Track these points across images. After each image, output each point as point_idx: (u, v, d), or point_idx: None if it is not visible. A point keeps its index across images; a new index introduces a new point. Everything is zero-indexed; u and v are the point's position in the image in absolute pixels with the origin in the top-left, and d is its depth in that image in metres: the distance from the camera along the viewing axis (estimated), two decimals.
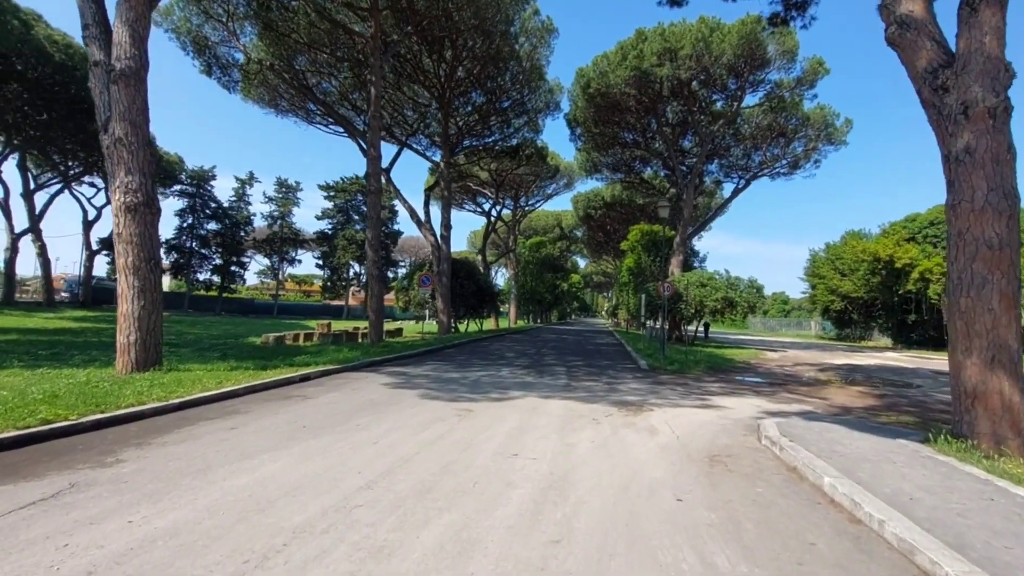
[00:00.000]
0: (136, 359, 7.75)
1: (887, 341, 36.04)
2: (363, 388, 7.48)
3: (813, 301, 41.27)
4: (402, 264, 63.31)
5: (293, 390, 7.18)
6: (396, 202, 44.49)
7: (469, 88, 24.34)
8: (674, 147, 26.29)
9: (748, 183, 28.06)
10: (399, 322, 43.40)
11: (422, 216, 25.06)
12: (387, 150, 26.30)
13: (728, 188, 39.72)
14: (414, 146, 27.84)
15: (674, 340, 24.74)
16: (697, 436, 5.29)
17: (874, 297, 33.42)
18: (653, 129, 27.81)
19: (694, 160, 28.01)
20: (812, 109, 25.18)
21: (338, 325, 26.52)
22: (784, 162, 28.20)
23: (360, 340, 17.58)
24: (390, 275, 52.13)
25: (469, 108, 25.87)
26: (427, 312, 23.94)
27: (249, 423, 5.14)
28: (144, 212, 7.90)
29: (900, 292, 30.25)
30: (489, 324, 35.58)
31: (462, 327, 27.81)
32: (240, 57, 19.57)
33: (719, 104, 26.47)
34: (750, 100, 24.77)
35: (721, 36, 20.16)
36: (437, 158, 25.60)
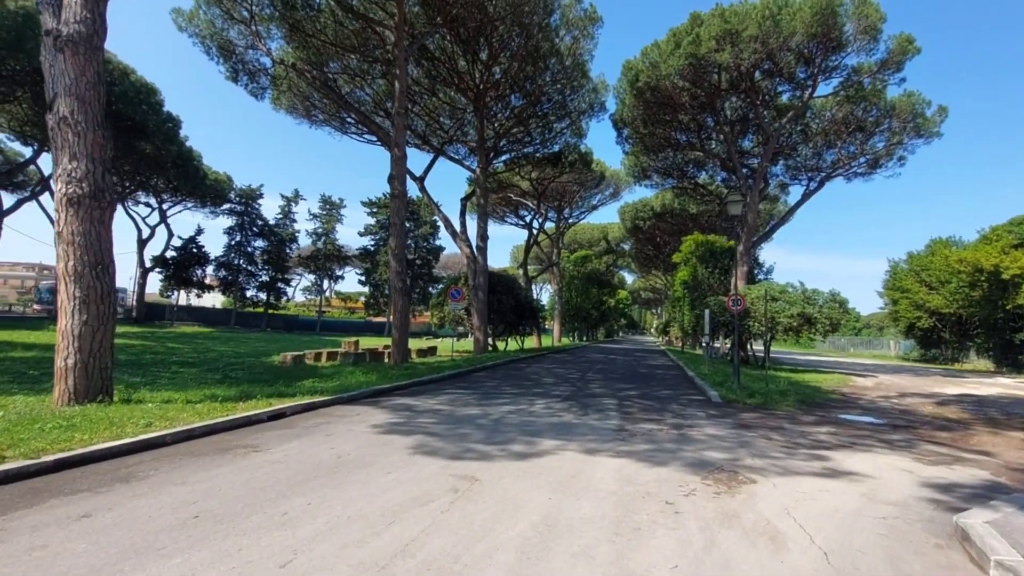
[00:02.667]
0: (75, 388, 6.19)
1: (986, 364, 31.26)
2: (340, 433, 5.57)
3: (895, 318, 36.77)
4: (445, 281, 62.35)
5: (245, 436, 5.36)
6: (437, 216, 43.51)
7: (507, 91, 22.75)
8: (734, 146, 23.62)
9: (821, 184, 24.91)
10: (438, 340, 42.07)
11: (457, 227, 23.48)
12: (422, 159, 25.13)
13: (795, 192, 36.30)
14: (451, 155, 26.49)
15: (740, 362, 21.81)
16: (856, 549, 3.03)
17: (972, 313, 29.02)
18: (710, 128, 25.26)
19: (756, 161, 25.20)
20: (898, 97, 21.97)
21: (373, 342, 25.20)
22: (862, 160, 24.91)
23: (386, 359, 15.94)
24: (432, 291, 51.12)
25: (508, 113, 24.27)
26: (461, 329, 22.19)
27: (119, 506, 3.31)
28: (90, 206, 6.40)
29: (1008, 307, 25.94)
30: (531, 342, 33.48)
31: (501, 345, 25.85)
32: (268, 62, 18.78)
33: (785, 96, 23.68)
34: (822, 90, 21.85)
35: (791, 12, 17.62)
36: (475, 167, 24.05)
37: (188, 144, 30.80)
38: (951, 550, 3.08)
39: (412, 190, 26.77)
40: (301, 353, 15.59)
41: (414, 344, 25.61)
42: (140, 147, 29.56)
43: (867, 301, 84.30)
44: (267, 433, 5.48)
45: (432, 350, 20.59)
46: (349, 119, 22.92)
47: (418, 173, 22.33)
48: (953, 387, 16.18)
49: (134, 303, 43.23)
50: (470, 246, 22.04)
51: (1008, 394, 14.44)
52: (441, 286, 41.14)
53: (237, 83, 18.68)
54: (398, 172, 14.36)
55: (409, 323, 14.31)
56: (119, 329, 29.38)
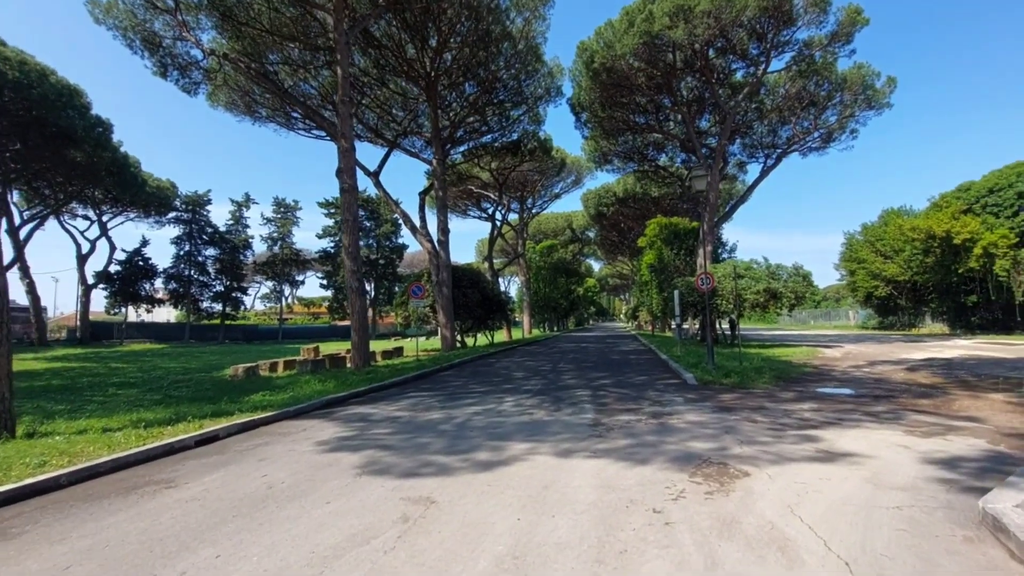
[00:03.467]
0: None
1: (941, 327, 32.51)
2: (277, 456, 4.83)
3: (853, 288, 37.80)
4: (409, 279, 61.02)
5: (162, 468, 4.57)
6: (397, 214, 42.15)
7: (460, 78, 21.97)
8: (692, 126, 23.51)
9: (778, 160, 25.10)
10: (407, 340, 40.98)
11: (417, 222, 22.63)
12: (376, 154, 24.06)
13: (752, 170, 36.71)
14: (407, 147, 25.54)
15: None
16: (880, 553, 2.56)
17: (927, 279, 29.99)
18: (667, 109, 25.12)
19: (714, 140, 25.21)
20: (849, 69, 22.25)
21: (337, 347, 24.11)
22: (816, 135, 25.23)
23: (348, 364, 15.07)
24: (397, 290, 49.83)
25: (463, 102, 23.47)
26: (428, 327, 21.42)
27: None
28: None
29: (960, 271, 26.88)
30: (501, 336, 32.92)
31: (470, 341, 25.18)
32: (199, 55, 17.41)
33: (739, 74, 23.70)
34: (775, 66, 21.92)
35: None
36: (431, 159, 23.19)
37: (123, 150, 28.72)
38: (984, 543, 2.64)
39: (368, 186, 25.67)
40: (254, 364, 14.56)
41: (381, 346, 24.70)
42: (70, 155, 27.40)
43: (824, 275, 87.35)
44: (190, 463, 4.70)
45: (398, 351, 19.75)
46: (295, 114, 21.75)
47: (373, 168, 21.39)
48: (917, 352, 16.45)
49: (78, 323, 40.51)
50: (431, 241, 21.24)
51: (971, 355, 14.72)
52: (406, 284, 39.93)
53: (167, 78, 17.27)
54: (346, 165, 13.46)
55: (368, 324, 13.50)
56: (57, 352, 27.41)
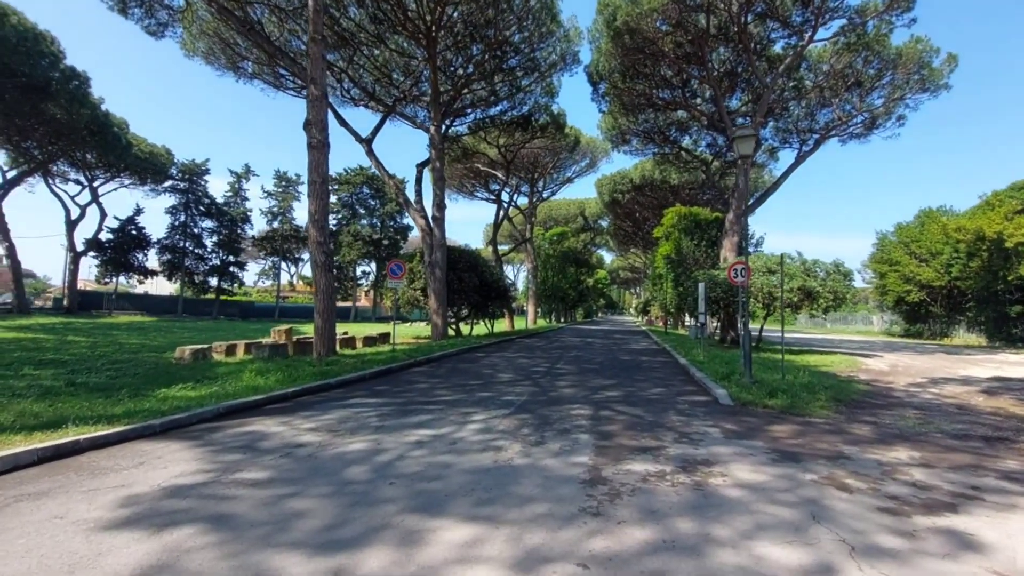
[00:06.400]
0: None
1: (978, 338, 29.83)
2: (8, 541, 2.79)
3: (883, 292, 35.13)
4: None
5: None
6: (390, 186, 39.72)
7: (466, 40, 19.70)
8: (723, 103, 21.03)
9: (816, 146, 22.57)
10: (409, 324, 39.04)
11: (412, 196, 20.55)
12: (370, 119, 21.85)
13: (784, 157, 33.81)
14: (407, 115, 23.38)
15: (728, 343, 19.59)
16: None
17: (969, 285, 27.36)
18: (695, 84, 22.65)
19: (744, 121, 22.73)
20: (905, 44, 19.62)
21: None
22: (859, 119, 22.68)
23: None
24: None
25: (469, 67, 21.19)
26: (417, 313, 19.42)
27: None
28: None
29: (1008, 278, 24.27)
30: (503, 325, 30.88)
31: (466, 330, 23.15)
32: None
33: (778, 46, 21.15)
34: (821, 35, 19.32)
35: None
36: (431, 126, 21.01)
37: (105, 107, 26.80)
38: None
39: (359, 155, 23.44)
40: (206, 347, 12.64)
41: (372, 330, 22.76)
42: (48, 111, 25.57)
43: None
44: None
45: (384, 337, 17.76)
46: (283, 70, 19.65)
47: (364, 134, 19.27)
48: (974, 367, 14.17)
49: (65, 291, 39.04)
50: (425, 217, 19.13)
51: None
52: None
53: (127, 16, 15.18)
54: (316, 116, 11.34)
55: (334, 306, 11.48)
56: (26, 321, 25.59)
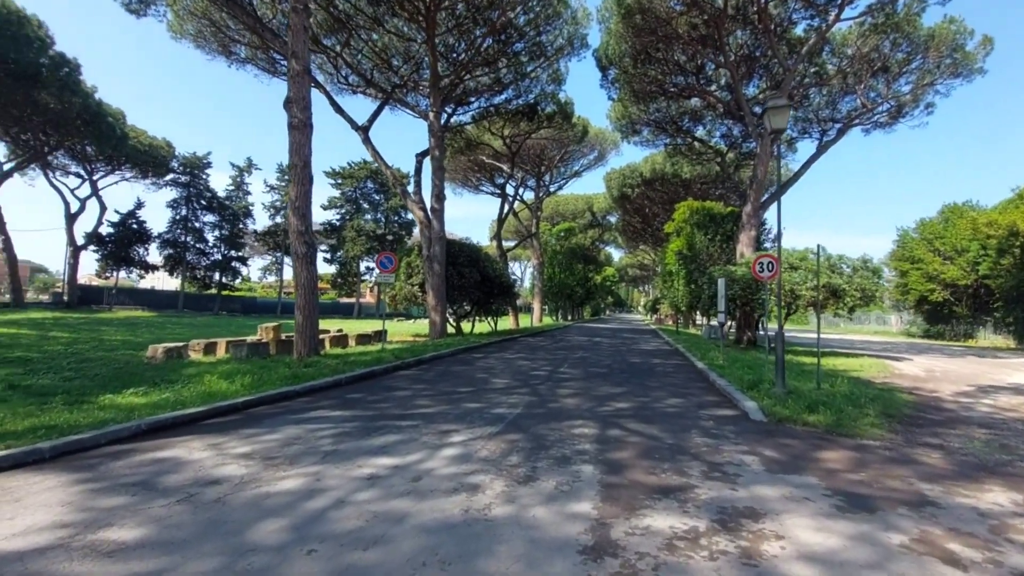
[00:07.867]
0: None
1: (1005, 340, 28.37)
2: None
3: (904, 291, 33.66)
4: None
5: None
6: (385, 174, 38.48)
7: (468, 22, 18.64)
8: (740, 89, 19.80)
9: (839, 135, 21.29)
10: (411, 321, 38.17)
11: (410, 187, 19.55)
12: (369, 109, 20.81)
13: (804, 148, 32.52)
14: (408, 102, 22.33)
15: (745, 344, 18.41)
16: None
17: (999, 284, 25.94)
18: (710, 70, 21.43)
19: (762, 109, 21.44)
20: (938, 25, 18.29)
21: (327, 325, 21.25)
22: (884, 107, 21.34)
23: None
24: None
25: (471, 51, 20.10)
26: (415, 310, 18.44)
27: None
28: None
29: None
30: (507, 323, 29.87)
31: (467, 327, 22.16)
32: None
33: (800, 28, 19.86)
34: (847, 14, 18.01)
35: None
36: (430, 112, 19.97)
37: (98, 96, 26.01)
38: None
39: (357, 147, 22.47)
40: (183, 345, 11.74)
41: (368, 327, 21.81)
42: (41, 99, 24.83)
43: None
44: None
45: (379, 335, 16.79)
46: (277, 54, 18.68)
47: (361, 122, 18.29)
48: (1017, 373, 12.98)
49: (64, 285, 38.51)
50: (423, 208, 18.13)
51: None
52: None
53: None
54: (297, 94, 10.34)
55: (317, 302, 10.50)
56: (17, 315, 24.87)
